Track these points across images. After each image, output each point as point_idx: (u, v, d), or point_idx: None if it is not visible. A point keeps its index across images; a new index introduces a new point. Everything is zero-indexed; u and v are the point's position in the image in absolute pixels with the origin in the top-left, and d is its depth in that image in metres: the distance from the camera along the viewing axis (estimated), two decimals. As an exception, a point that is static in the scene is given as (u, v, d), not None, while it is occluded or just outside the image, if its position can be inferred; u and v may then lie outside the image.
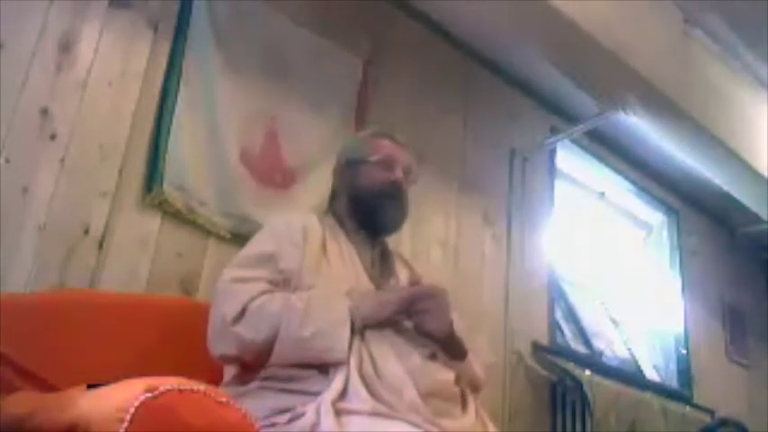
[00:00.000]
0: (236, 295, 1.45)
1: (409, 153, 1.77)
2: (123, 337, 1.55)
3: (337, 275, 1.56)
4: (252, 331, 1.40)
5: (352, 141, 1.88)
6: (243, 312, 1.42)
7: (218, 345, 1.45)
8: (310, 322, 1.39)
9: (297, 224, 1.62)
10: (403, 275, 1.73)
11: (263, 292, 1.45)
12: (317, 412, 1.28)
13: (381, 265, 1.71)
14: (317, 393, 1.32)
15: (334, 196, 1.80)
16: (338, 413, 1.27)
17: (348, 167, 1.76)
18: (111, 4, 1.97)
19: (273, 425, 1.33)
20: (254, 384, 1.42)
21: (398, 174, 1.69)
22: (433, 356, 1.50)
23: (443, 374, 1.47)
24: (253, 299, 1.43)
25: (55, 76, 1.83)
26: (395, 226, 1.74)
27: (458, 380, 1.51)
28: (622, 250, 3.91)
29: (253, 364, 1.44)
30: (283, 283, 1.51)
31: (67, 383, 1.18)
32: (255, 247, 1.59)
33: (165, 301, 1.86)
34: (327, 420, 1.25)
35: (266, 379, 1.41)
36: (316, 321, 1.39)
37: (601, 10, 2.58)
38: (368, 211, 1.68)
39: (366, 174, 1.70)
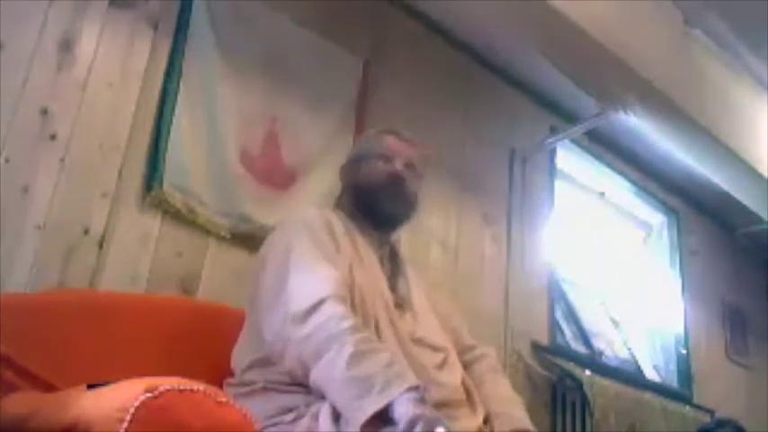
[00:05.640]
0: (307, 286, 1.36)
1: (415, 148, 1.77)
2: (123, 337, 1.55)
3: (365, 276, 1.53)
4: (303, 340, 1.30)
5: (359, 140, 1.89)
6: (312, 310, 1.31)
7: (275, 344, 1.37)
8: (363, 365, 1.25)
9: (320, 220, 1.58)
10: (412, 278, 1.71)
11: (336, 296, 1.34)
12: (315, 417, 1.28)
13: (390, 264, 1.70)
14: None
15: (341, 196, 1.80)
16: (338, 417, 1.27)
17: (351, 164, 1.78)
18: (111, 4, 1.97)
19: (276, 424, 1.34)
20: (260, 385, 1.42)
21: (397, 166, 1.68)
22: (444, 362, 1.51)
23: (451, 381, 1.47)
24: (322, 301, 1.32)
25: (55, 76, 1.83)
26: (396, 218, 1.73)
27: (463, 381, 1.52)
28: (622, 250, 3.91)
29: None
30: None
31: (67, 383, 1.18)
32: (304, 242, 1.49)
33: (165, 301, 1.86)
34: (325, 423, 1.25)
35: (272, 381, 1.41)
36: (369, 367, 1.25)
37: (601, 10, 2.58)
38: (368, 204, 1.68)
39: (366, 168, 1.71)
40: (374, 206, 1.68)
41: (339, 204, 1.78)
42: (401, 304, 1.59)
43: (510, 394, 1.63)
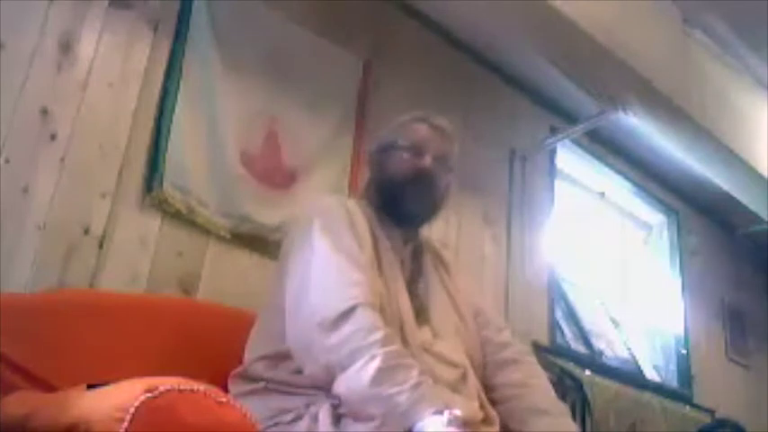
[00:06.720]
0: (336, 290, 1.33)
1: (448, 138, 1.66)
2: (123, 337, 1.55)
3: (382, 280, 1.46)
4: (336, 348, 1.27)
5: (390, 126, 1.73)
6: (342, 317, 1.27)
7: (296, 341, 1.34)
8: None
9: (341, 210, 1.51)
10: (433, 281, 1.63)
11: (367, 304, 1.30)
12: (315, 418, 1.28)
13: (412, 266, 1.61)
14: (323, 396, 1.30)
15: (368, 185, 1.70)
16: (338, 418, 1.26)
17: (378, 153, 1.67)
18: (111, 4, 1.97)
19: (276, 424, 1.33)
20: (261, 384, 1.41)
21: (426, 161, 1.58)
22: (461, 379, 1.45)
23: (467, 409, 1.38)
24: (353, 309, 1.28)
25: (55, 76, 1.83)
26: (421, 216, 1.65)
27: (481, 403, 1.47)
28: (622, 250, 3.91)
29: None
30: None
31: (67, 383, 1.18)
32: (327, 237, 1.43)
33: (165, 301, 1.86)
34: (325, 424, 1.25)
35: (273, 381, 1.40)
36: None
37: (601, 10, 2.58)
38: (393, 200, 1.59)
39: (393, 159, 1.61)
40: (398, 202, 1.59)
41: (365, 194, 1.69)
42: (419, 312, 1.51)
43: (551, 403, 1.56)
